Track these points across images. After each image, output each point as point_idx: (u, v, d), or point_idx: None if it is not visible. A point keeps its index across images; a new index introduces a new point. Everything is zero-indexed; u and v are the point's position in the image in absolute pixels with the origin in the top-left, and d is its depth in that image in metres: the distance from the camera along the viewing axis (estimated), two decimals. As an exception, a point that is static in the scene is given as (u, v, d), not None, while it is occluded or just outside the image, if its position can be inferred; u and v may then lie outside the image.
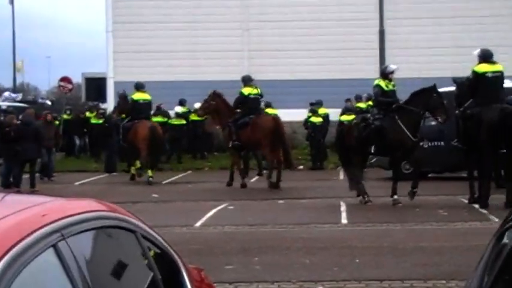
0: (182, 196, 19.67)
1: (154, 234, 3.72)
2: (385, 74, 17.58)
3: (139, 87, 23.53)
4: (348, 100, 29.21)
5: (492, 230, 12.91)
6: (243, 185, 20.87)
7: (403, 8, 30.23)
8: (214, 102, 22.10)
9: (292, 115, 29.24)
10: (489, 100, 15.88)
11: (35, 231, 2.66)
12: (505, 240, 3.69)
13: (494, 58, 16.50)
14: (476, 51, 16.67)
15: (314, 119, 26.45)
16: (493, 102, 15.84)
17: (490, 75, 16.13)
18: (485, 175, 16.38)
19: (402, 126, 16.63)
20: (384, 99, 17.25)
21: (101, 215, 3.23)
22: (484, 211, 15.50)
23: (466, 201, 16.57)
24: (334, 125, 28.61)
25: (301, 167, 27.06)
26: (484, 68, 16.23)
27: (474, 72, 16.33)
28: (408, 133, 16.64)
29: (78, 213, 3.03)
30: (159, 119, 26.55)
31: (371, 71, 28.23)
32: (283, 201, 18.16)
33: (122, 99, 24.65)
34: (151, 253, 3.66)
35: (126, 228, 3.41)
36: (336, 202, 17.42)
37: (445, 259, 10.99)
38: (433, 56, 28.44)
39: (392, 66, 17.78)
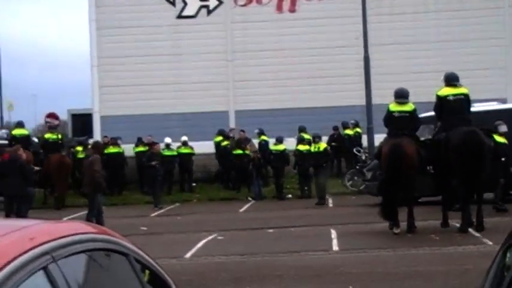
0: (171, 228, 19.47)
1: (147, 257, 3.58)
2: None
3: None
4: (335, 128, 29.28)
5: (486, 253, 12.78)
6: None
7: (386, 34, 30.35)
8: None
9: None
10: (454, 123, 15.83)
11: (21, 254, 2.54)
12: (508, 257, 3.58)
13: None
14: (443, 76, 16.69)
15: (301, 147, 26.30)
16: (458, 125, 15.72)
17: (451, 98, 16.09)
18: (451, 200, 16.32)
19: None
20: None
21: (92, 237, 3.10)
22: (477, 234, 15.39)
23: (458, 225, 16.31)
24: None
25: (290, 195, 26.92)
26: (446, 91, 16.23)
27: (437, 96, 16.37)
28: None
29: (68, 235, 2.91)
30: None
31: (356, 98, 28.27)
32: (272, 230, 18.01)
33: None
34: (145, 277, 3.52)
35: (118, 251, 3.28)
36: (326, 229, 17.30)
37: (440, 284, 10.88)
38: (418, 81, 28.43)
39: None
